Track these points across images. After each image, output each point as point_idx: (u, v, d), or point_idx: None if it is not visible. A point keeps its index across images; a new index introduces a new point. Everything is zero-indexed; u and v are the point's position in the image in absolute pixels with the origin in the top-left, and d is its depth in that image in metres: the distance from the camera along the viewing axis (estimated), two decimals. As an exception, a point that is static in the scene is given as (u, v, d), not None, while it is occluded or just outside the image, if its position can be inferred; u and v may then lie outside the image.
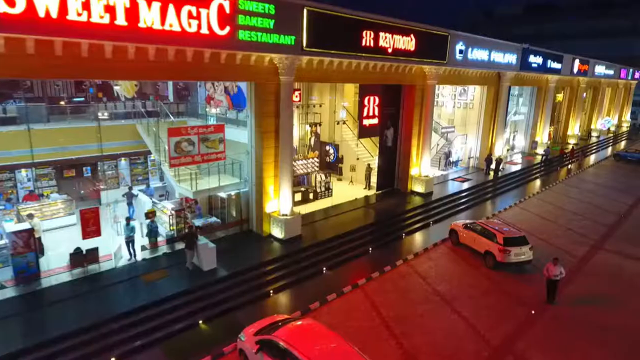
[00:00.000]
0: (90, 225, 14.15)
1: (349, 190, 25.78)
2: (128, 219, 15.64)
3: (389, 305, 14.60)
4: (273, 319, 11.76)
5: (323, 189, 24.22)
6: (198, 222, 17.74)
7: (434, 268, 17.57)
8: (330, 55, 17.46)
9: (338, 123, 25.21)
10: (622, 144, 53.05)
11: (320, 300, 14.60)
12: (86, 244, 14.60)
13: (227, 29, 13.72)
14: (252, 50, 15.13)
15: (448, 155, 32.67)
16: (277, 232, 17.95)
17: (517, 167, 34.88)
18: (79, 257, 14.34)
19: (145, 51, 13.17)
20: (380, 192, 25.48)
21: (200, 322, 13.10)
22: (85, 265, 14.50)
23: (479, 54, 26.42)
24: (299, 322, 11.20)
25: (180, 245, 16.19)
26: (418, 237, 20.83)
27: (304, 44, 16.19)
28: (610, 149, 49.84)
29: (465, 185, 28.47)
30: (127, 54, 12.88)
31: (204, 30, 13.22)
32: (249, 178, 18.41)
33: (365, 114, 23.44)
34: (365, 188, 26.02)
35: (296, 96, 20.36)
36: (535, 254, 17.91)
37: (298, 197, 23.47)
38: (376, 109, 23.88)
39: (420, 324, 13.65)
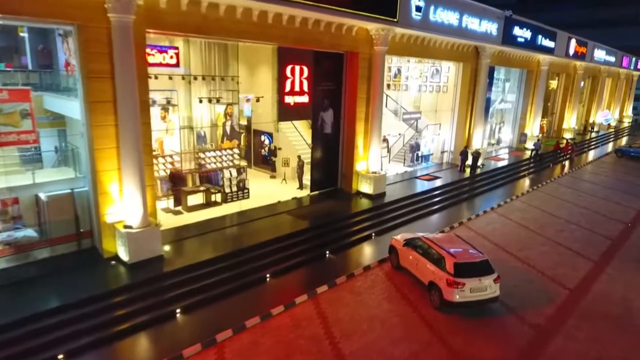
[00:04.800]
0: None
1: (277, 190, 19.90)
2: None
3: (248, 384, 8.76)
4: None
5: (235, 188, 18.31)
6: (-3, 238, 11.88)
7: (352, 307, 11.69)
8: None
9: (248, 100, 19.24)
10: (624, 140, 47.22)
11: (133, 376, 8.75)
12: None
13: None
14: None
15: (416, 148, 26.80)
16: (124, 252, 12.08)
17: (502, 164, 29.07)
18: None
19: None
20: (316, 192, 19.62)
21: None
22: None
23: (445, 16, 20.53)
24: None
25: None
26: (349, 257, 14.96)
27: (135, -41, 10.30)
28: (610, 145, 43.99)
29: (433, 185, 22.64)
30: None
31: None
32: (87, 172, 12.54)
33: (288, 88, 17.60)
34: (298, 188, 20.16)
35: (171, 57, 14.44)
36: (507, 284, 12.13)
37: (198, 199, 17.66)
38: (305, 82, 18.03)
39: None
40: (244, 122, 23.19)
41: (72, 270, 11.67)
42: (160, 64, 14.27)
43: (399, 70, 29.58)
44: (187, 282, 11.81)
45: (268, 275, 12.94)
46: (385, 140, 26.87)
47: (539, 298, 12.56)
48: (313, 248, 14.97)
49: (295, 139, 21.60)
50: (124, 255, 11.99)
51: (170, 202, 16.93)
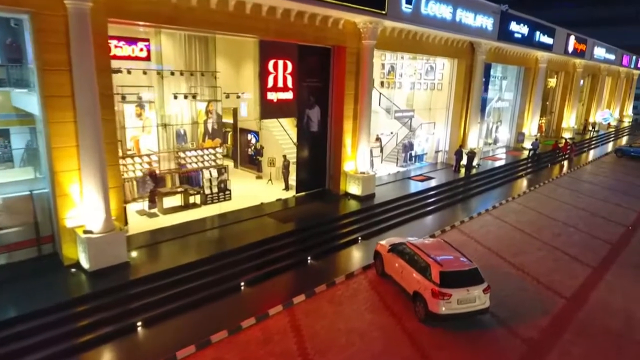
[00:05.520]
0: None
1: (262, 191, 19.00)
2: None
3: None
4: None
5: (215, 189, 17.42)
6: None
7: (330, 319, 10.80)
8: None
9: (228, 96, 18.31)
10: (624, 140, 46.32)
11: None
12: None
13: None
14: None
15: (409, 147, 25.91)
16: (84, 259, 11.20)
17: (499, 164, 28.18)
18: None
19: None
20: (302, 194, 18.74)
21: None
22: None
23: (438, 9, 19.61)
24: None
25: None
26: (332, 263, 14.04)
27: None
28: (610, 144, 43.10)
29: (426, 186, 21.74)
30: None
31: None
32: (47, 172, 11.66)
33: (271, 84, 16.69)
34: (284, 189, 19.28)
35: (141, 49, 13.54)
36: (499, 293, 11.26)
37: (176, 200, 16.76)
38: (289, 78, 17.12)
39: None
40: (229, 120, 22.38)
41: (27, 278, 10.79)
42: (129, 57, 13.37)
43: (393, 67, 28.76)
44: (152, 292, 10.92)
45: (242, 284, 12.06)
46: (378, 139, 26.04)
47: (533, 308, 11.67)
48: (294, 253, 14.09)
49: (282, 138, 20.72)
50: (85, 262, 11.11)
51: (145, 204, 16.05)
